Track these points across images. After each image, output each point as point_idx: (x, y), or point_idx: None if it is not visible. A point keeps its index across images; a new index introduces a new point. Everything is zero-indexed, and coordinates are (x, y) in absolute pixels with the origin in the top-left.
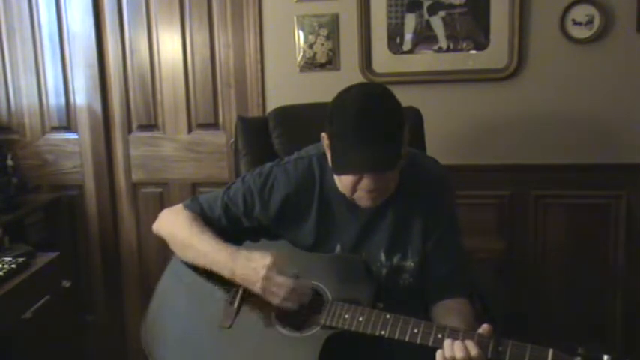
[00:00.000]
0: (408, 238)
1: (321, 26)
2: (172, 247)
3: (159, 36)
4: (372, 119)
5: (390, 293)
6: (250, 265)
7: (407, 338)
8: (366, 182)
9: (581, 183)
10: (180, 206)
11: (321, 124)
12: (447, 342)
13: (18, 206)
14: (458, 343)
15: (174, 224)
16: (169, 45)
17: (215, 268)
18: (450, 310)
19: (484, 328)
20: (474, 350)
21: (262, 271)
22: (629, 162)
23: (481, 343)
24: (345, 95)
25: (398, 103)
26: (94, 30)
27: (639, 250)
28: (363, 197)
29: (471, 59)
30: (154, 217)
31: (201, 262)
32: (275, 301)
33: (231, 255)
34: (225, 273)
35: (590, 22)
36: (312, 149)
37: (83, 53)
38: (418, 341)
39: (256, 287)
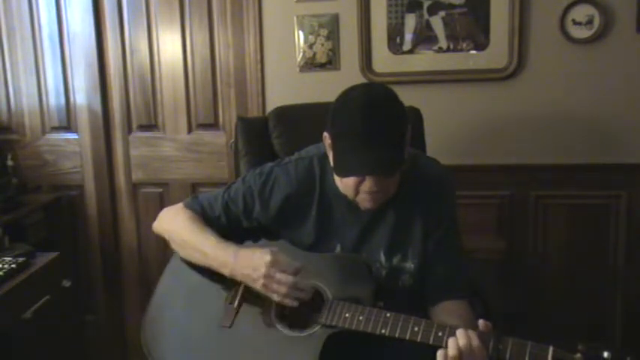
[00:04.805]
0: (409, 240)
1: (321, 26)
2: (173, 245)
3: (159, 36)
4: (376, 122)
5: (389, 294)
6: (251, 263)
7: (407, 337)
8: (367, 184)
9: (581, 183)
10: (180, 205)
11: (321, 124)
12: (452, 340)
13: (18, 206)
14: (460, 331)
15: (174, 223)
16: (169, 45)
17: (215, 267)
18: (449, 313)
19: (482, 324)
20: (475, 340)
21: (262, 269)
22: (629, 162)
23: (482, 341)
24: (349, 95)
25: (402, 106)
26: (94, 30)
27: (639, 250)
28: (364, 199)
29: (471, 59)
30: (154, 217)
31: (201, 260)
32: (276, 298)
33: (233, 254)
34: (225, 272)
35: (590, 22)
36: (312, 149)
37: (83, 53)
38: (418, 339)
39: (258, 284)
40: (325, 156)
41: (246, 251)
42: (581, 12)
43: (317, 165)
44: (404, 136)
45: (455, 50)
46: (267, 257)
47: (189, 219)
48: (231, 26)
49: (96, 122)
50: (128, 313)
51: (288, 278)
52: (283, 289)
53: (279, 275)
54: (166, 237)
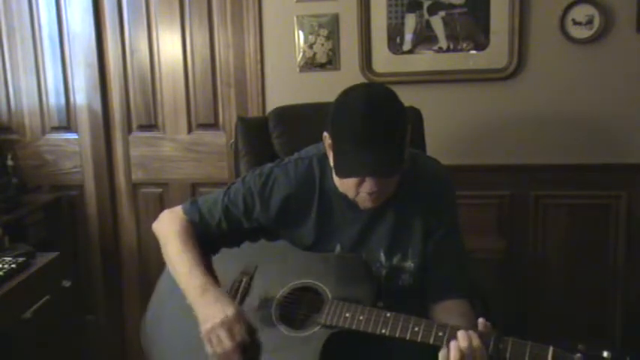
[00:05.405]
0: (409, 239)
1: (321, 26)
2: (163, 254)
3: (159, 36)
4: (376, 122)
5: (389, 294)
6: (214, 305)
7: (408, 337)
8: (367, 185)
9: (581, 183)
10: (179, 211)
11: (321, 124)
12: (453, 342)
13: (18, 206)
14: (461, 333)
15: (167, 233)
16: (169, 45)
17: (183, 290)
18: (451, 312)
19: (481, 324)
20: (476, 341)
21: (217, 319)
22: (629, 162)
23: (483, 341)
24: (349, 96)
25: (402, 106)
26: (94, 30)
27: (639, 249)
28: (364, 199)
29: (471, 59)
30: (154, 218)
31: (175, 278)
32: (208, 350)
33: (201, 287)
34: (189, 297)
35: (590, 22)
36: (312, 149)
37: (83, 53)
38: (419, 340)
39: (203, 326)
40: (325, 156)
41: (216, 292)
42: (581, 12)
43: (317, 165)
44: (404, 137)
45: (455, 50)
46: (229, 312)
47: (182, 234)
48: (231, 26)
49: (96, 122)
50: (128, 313)
51: (227, 344)
52: (218, 349)
53: (223, 335)
54: (160, 244)
